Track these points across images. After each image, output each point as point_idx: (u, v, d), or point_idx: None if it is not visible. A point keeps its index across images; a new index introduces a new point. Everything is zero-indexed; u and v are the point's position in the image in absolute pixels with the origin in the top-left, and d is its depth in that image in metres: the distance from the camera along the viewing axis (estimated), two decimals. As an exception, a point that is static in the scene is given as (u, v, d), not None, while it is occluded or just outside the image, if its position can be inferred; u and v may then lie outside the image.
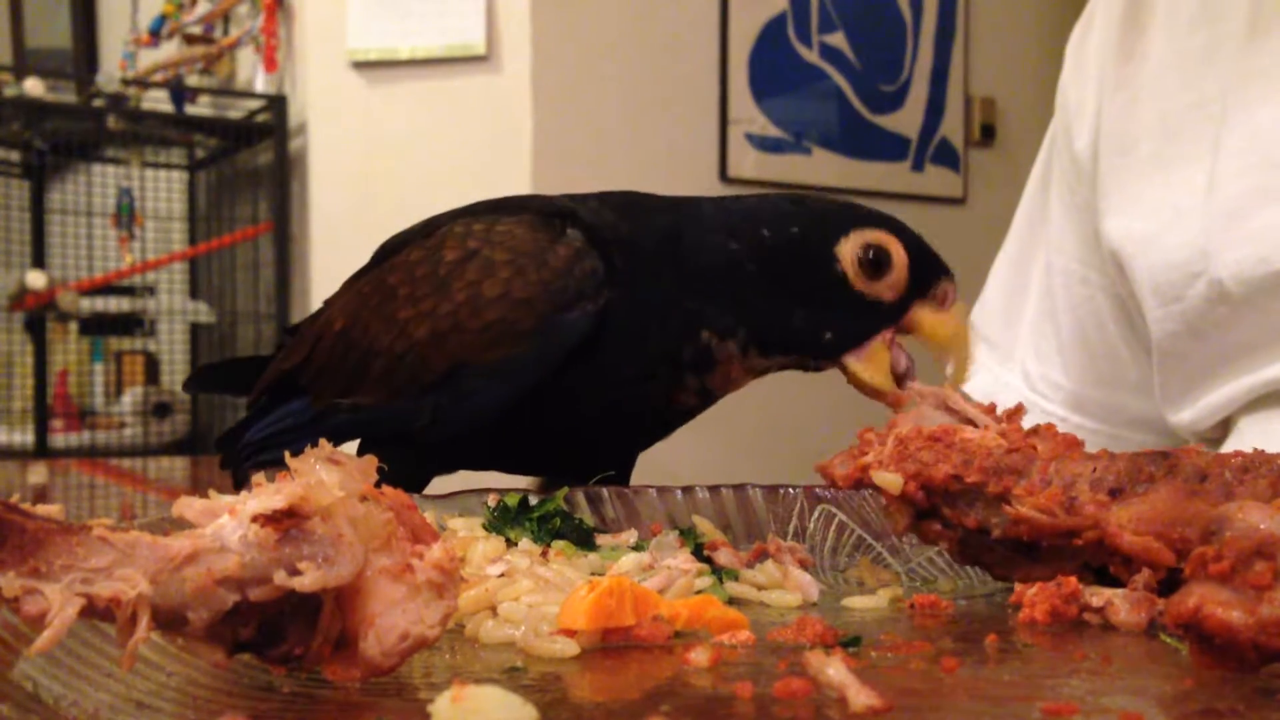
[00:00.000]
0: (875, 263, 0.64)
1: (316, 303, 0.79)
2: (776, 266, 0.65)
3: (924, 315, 0.65)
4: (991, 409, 0.57)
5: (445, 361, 0.65)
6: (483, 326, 0.64)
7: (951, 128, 3.33)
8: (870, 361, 0.65)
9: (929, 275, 0.65)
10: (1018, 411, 0.57)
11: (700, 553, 0.56)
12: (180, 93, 3.05)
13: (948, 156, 3.32)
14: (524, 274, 0.64)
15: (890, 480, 0.54)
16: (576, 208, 0.67)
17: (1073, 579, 0.48)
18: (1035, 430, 0.53)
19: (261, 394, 0.78)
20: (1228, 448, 0.73)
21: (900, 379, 0.65)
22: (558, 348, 0.63)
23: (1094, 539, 0.49)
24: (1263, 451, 0.47)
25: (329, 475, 0.37)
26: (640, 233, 0.66)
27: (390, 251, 0.72)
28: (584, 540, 0.58)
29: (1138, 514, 0.48)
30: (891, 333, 0.65)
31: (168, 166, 3.31)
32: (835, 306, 0.65)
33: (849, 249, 0.64)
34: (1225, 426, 0.79)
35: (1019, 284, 0.97)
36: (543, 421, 0.67)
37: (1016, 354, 0.96)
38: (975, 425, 0.56)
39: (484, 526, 0.58)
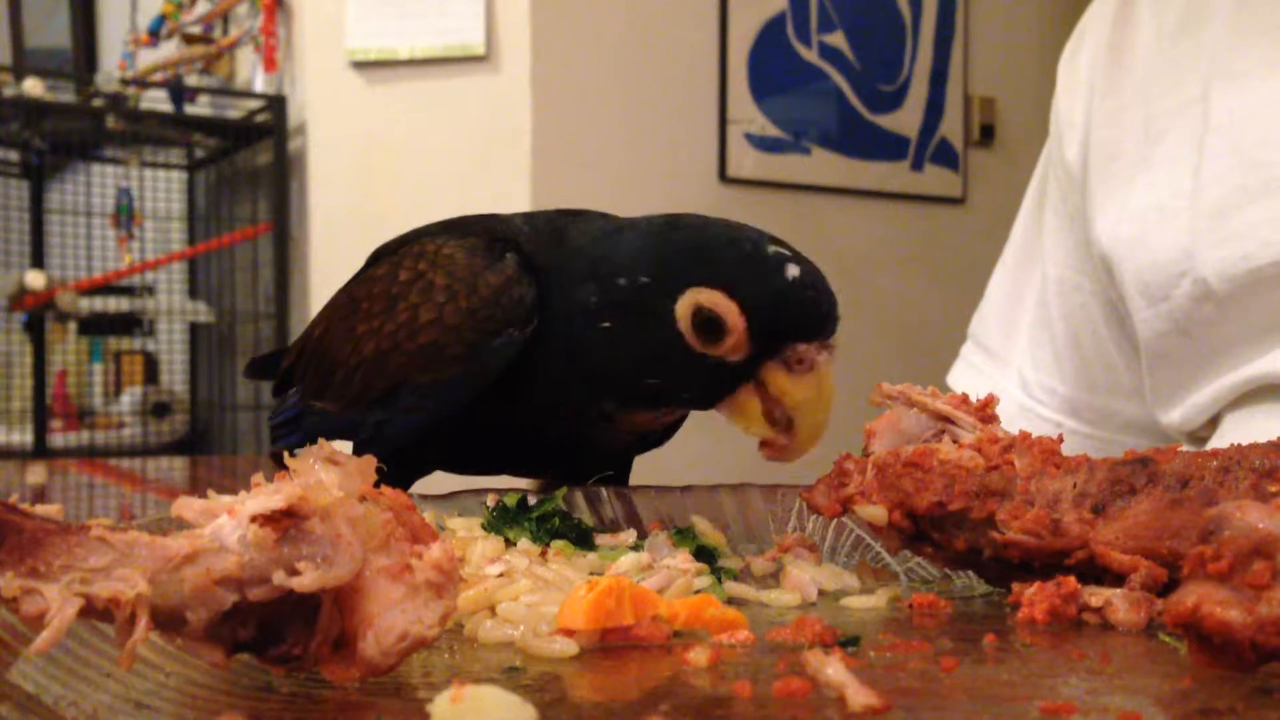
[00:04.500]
0: (708, 327, 0.58)
1: (316, 302, 0.81)
2: (626, 323, 0.61)
3: (774, 376, 0.58)
4: (964, 400, 0.57)
5: (386, 379, 0.67)
6: (418, 349, 0.65)
7: (951, 127, 3.33)
8: (740, 413, 0.60)
9: (779, 336, 0.58)
10: (989, 403, 0.57)
11: (700, 553, 0.56)
12: (179, 92, 3.05)
13: (947, 156, 3.32)
14: (456, 299, 0.65)
15: (875, 513, 0.54)
16: (521, 232, 0.67)
17: (1072, 579, 0.48)
18: (1011, 444, 0.53)
19: (277, 382, 0.83)
20: (1212, 446, 0.74)
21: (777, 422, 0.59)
22: (483, 372, 0.64)
23: (1084, 558, 0.49)
24: (1240, 446, 0.48)
25: (328, 475, 0.37)
26: (564, 266, 0.65)
27: (375, 260, 0.74)
28: (583, 540, 0.58)
29: (1123, 530, 0.48)
30: (751, 386, 0.59)
31: (167, 166, 3.31)
32: (681, 368, 0.59)
33: (683, 310, 0.58)
34: (1214, 425, 0.80)
35: (1016, 292, 0.98)
36: (489, 433, 0.69)
37: (1014, 361, 0.96)
38: (952, 422, 0.56)
39: (483, 526, 0.58)
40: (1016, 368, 0.96)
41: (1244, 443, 0.48)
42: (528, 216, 0.70)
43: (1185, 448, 0.51)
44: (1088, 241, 0.87)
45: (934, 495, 0.52)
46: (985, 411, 0.57)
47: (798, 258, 0.59)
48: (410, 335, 0.66)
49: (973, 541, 0.52)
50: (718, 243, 0.60)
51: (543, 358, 0.64)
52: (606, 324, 0.61)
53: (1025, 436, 0.53)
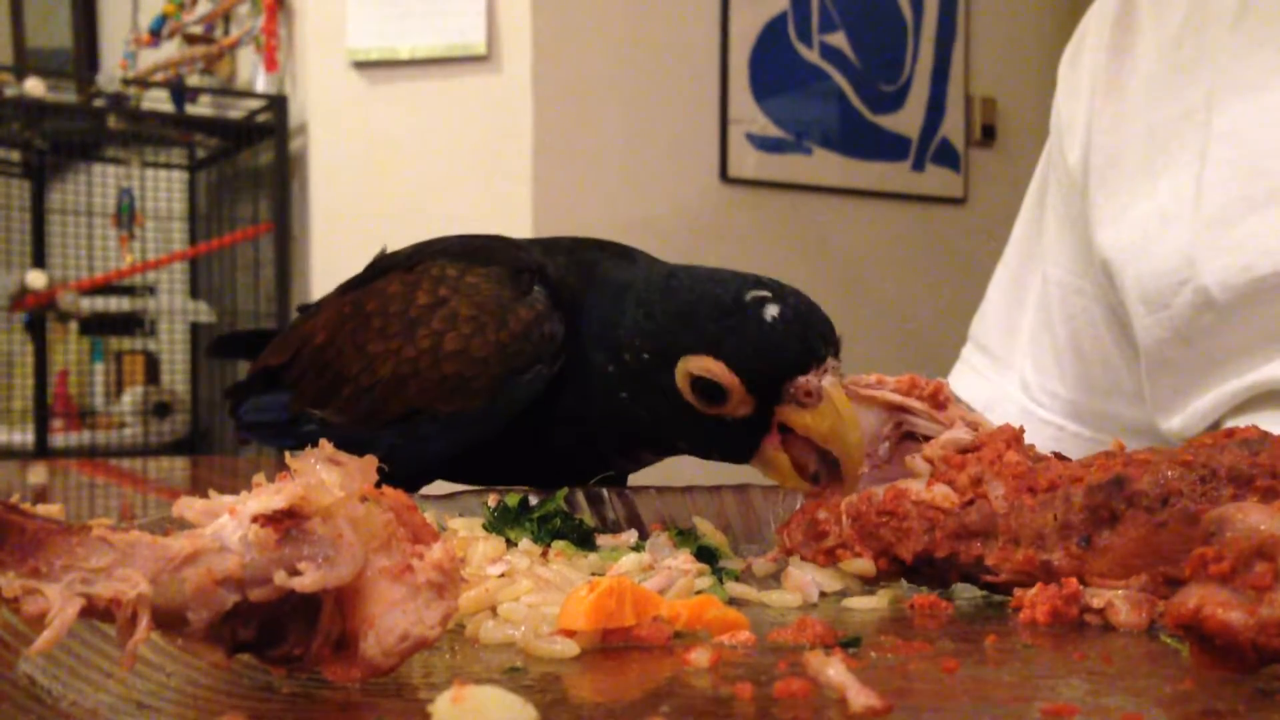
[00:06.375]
0: (707, 392, 0.58)
1: (317, 303, 0.80)
2: (641, 395, 0.62)
3: (793, 417, 0.57)
4: (913, 384, 0.57)
5: (403, 404, 0.67)
6: (440, 378, 0.65)
7: (952, 127, 3.33)
8: (771, 467, 0.59)
9: (775, 380, 0.57)
10: (938, 389, 0.57)
11: (701, 553, 0.56)
12: (181, 92, 3.05)
13: (948, 156, 3.32)
14: (484, 332, 0.65)
15: (862, 566, 0.54)
16: (547, 263, 0.67)
17: (1073, 579, 0.48)
18: (980, 475, 0.52)
19: (254, 375, 0.81)
20: None
21: (815, 476, 0.58)
22: (508, 406, 0.65)
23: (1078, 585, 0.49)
24: (1209, 449, 0.47)
25: (329, 476, 0.37)
26: (592, 306, 0.65)
27: (381, 269, 0.74)
28: (584, 540, 0.58)
29: (1114, 561, 0.48)
30: (775, 438, 0.59)
31: (168, 166, 3.31)
32: (702, 429, 0.60)
33: (680, 380, 0.59)
34: (1213, 431, 0.80)
35: (1017, 294, 0.98)
36: (503, 454, 0.69)
37: (1015, 363, 0.96)
38: (906, 410, 0.56)
39: (484, 527, 0.58)
40: (1018, 370, 0.96)
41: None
42: (546, 247, 0.70)
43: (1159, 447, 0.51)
44: (1089, 245, 0.87)
45: (917, 544, 0.52)
46: (936, 398, 0.57)
47: (779, 294, 0.58)
48: (433, 364, 0.65)
49: (964, 575, 0.52)
50: (699, 302, 0.59)
51: (571, 394, 0.64)
52: (624, 395, 0.62)
53: (994, 458, 0.52)
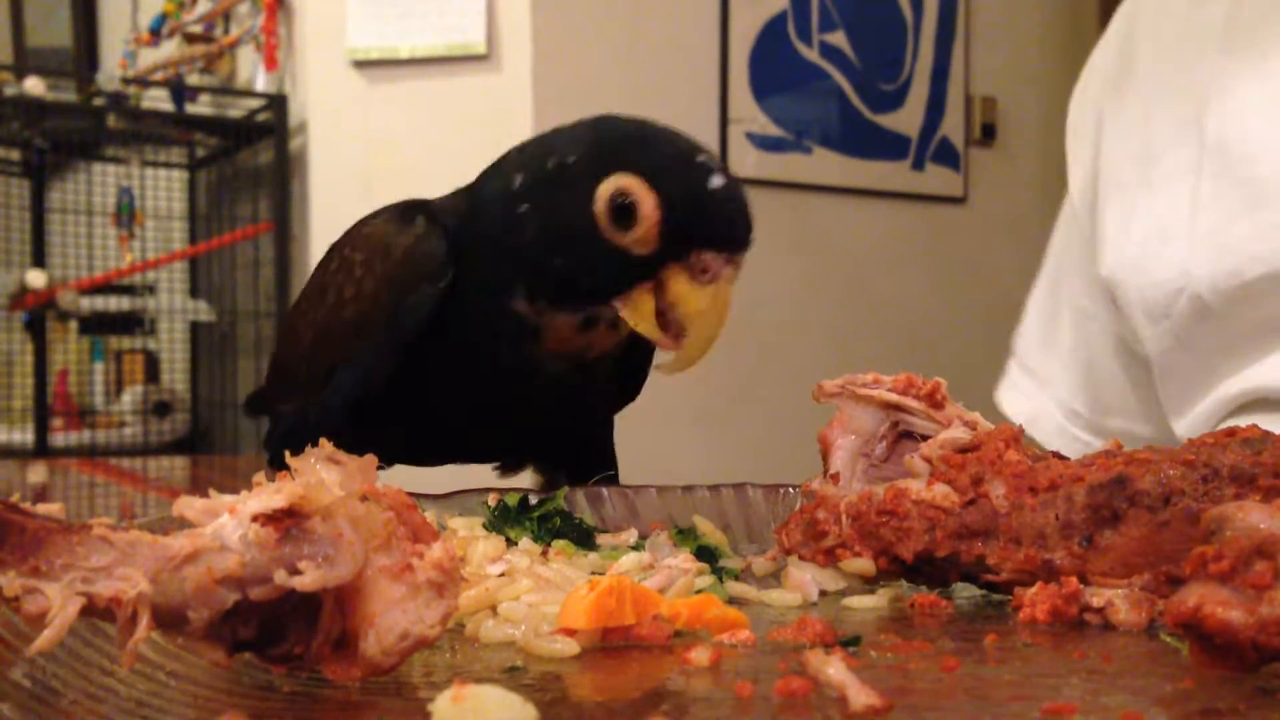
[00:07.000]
0: (622, 213, 0.57)
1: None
2: (544, 201, 0.61)
3: (675, 280, 0.58)
4: (910, 383, 0.57)
5: (324, 363, 0.68)
6: (344, 325, 0.66)
7: (952, 127, 3.32)
8: (633, 310, 0.59)
9: (688, 240, 0.58)
10: (935, 389, 0.57)
11: (701, 552, 0.56)
12: (180, 92, 3.05)
13: (948, 155, 3.31)
14: (372, 268, 0.66)
15: (863, 566, 0.54)
16: (438, 199, 0.68)
17: (1073, 579, 0.48)
18: (980, 474, 0.52)
19: (263, 406, 0.84)
20: None
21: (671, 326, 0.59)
22: (404, 330, 0.64)
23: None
24: (1210, 448, 0.47)
25: (329, 474, 0.37)
26: (478, 204, 0.66)
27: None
28: (584, 540, 0.58)
29: (1117, 560, 0.48)
30: (652, 287, 0.59)
31: (168, 165, 3.31)
32: (587, 252, 0.59)
33: (603, 191, 0.58)
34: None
35: (1052, 311, 0.99)
36: (438, 409, 0.69)
37: (1053, 379, 0.97)
38: (902, 409, 0.56)
39: (484, 526, 0.58)
40: (1055, 387, 0.98)
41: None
42: (458, 192, 0.70)
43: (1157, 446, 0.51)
44: (1095, 278, 0.89)
45: (917, 544, 0.52)
46: (933, 398, 0.57)
47: (725, 171, 0.60)
48: (338, 314, 0.67)
49: (965, 575, 0.52)
50: (651, 137, 0.61)
51: (458, 310, 0.64)
52: (525, 206, 0.62)
53: (993, 458, 0.52)
